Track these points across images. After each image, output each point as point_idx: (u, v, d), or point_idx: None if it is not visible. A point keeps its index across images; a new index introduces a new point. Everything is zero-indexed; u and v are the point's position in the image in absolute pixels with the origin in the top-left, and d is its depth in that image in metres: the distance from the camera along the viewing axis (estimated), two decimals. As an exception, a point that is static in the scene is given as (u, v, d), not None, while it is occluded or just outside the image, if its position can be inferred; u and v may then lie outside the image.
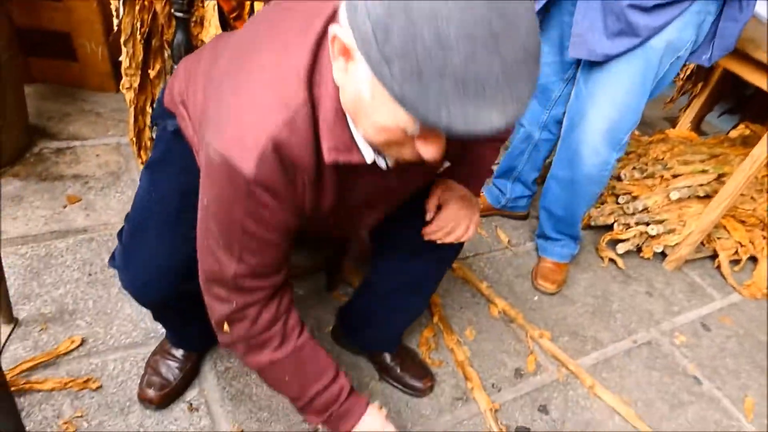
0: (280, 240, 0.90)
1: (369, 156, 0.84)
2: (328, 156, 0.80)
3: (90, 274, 1.64)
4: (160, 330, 1.51)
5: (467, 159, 1.16)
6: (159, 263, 1.07)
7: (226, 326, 0.96)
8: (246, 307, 0.94)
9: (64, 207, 1.84)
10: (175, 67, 1.51)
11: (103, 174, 2.03)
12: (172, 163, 1.14)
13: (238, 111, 0.80)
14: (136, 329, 1.53)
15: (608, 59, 1.63)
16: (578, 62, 1.80)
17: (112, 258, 1.14)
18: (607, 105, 1.71)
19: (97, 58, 2.33)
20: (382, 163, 0.88)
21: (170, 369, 1.39)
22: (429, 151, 0.73)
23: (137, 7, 1.66)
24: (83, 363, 1.42)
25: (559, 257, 2.10)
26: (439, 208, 1.14)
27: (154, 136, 1.38)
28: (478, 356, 1.74)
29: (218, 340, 1.02)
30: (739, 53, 1.88)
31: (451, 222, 1.13)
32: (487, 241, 2.23)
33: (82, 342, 1.46)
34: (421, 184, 1.11)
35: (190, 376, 1.43)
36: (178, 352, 1.41)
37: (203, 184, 0.87)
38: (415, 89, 0.59)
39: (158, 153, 1.17)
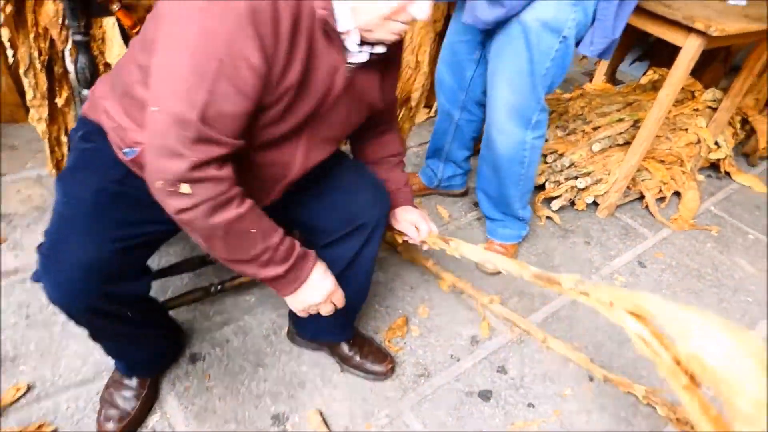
0: (251, 96, 0.91)
1: (347, 26, 0.96)
2: (318, 12, 0.92)
3: (28, 316, 1.59)
4: (111, 362, 1.48)
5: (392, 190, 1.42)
6: (80, 262, 1.03)
7: (185, 187, 0.90)
8: (207, 163, 0.90)
9: (-11, 252, 1.77)
10: (85, 92, 1.46)
11: (28, 209, 1.95)
12: (82, 168, 1.14)
13: None
14: (85, 365, 1.49)
15: (494, 35, 1.66)
16: (484, 43, 1.82)
17: (35, 273, 1.10)
18: (503, 84, 1.71)
19: (2, 90, 2.22)
20: (362, 51, 1.02)
21: (126, 400, 1.36)
22: (422, 10, 0.94)
23: (32, 36, 1.59)
24: (33, 409, 1.38)
25: (503, 239, 2.08)
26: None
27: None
28: (434, 332, 1.78)
29: (171, 209, 0.94)
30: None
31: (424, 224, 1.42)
32: (427, 217, 2.27)
33: (29, 388, 1.41)
34: (357, 119, 1.21)
35: (148, 402, 1.41)
36: (132, 381, 1.38)
37: (177, 19, 0.86)
38: None
39: (69, 163, 1.19)
